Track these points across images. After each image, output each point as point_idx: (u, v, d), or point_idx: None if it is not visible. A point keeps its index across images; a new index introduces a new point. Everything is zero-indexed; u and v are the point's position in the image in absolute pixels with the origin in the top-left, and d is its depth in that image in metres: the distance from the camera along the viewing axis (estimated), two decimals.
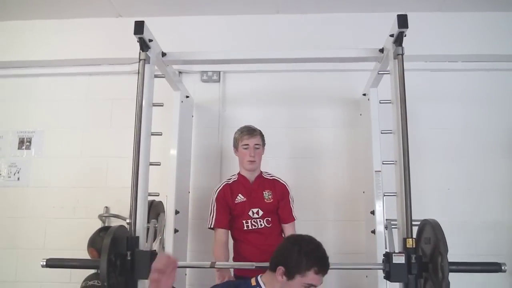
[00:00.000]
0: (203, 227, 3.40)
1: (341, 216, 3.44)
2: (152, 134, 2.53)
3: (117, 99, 3.71)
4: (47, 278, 3.46)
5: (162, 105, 2.60)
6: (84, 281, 3.16)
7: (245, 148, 2.85)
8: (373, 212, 2.88)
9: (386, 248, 2.60)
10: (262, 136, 2.93)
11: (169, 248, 2.87)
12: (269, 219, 2.82)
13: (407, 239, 2.18)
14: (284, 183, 2.94)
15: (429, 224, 2.14)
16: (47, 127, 3.76)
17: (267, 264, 2.18)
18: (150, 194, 2.48)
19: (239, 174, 2.95)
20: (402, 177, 2.27)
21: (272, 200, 2.85)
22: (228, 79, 3.70)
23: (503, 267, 2.12)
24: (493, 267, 2.16)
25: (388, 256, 2.20)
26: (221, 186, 2.91)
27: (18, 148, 3.76)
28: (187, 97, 3.34)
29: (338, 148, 3.55)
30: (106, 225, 3.45)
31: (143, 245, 2.33)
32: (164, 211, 2.99)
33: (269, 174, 2.98)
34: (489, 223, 3.41)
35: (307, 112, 3.62)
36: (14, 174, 3.72)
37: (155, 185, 2.59)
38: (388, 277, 2.21)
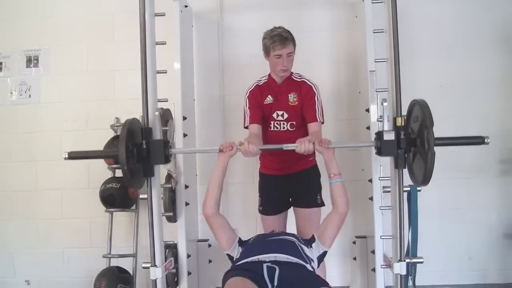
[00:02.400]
0: (210, 133, 3.66)
1: (339, 116, 3.64)
2: (157, 44, 2.64)
3: (117, 12, 3.77)
4: (67, 185, 3.77)
5: (164, 15, 2.69)
6: (102, 184, 3.43)
7: (278, 58, 2.73)
8: (368, 110, 3.06)
9: None
10: (294, 41, 2.78)
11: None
12: (294, 123, 2.84)
13: (397, 118, 2.35)
14: (312, 84, 2.86)
15: (417, 103, 2.28)
16: (52, 44, 3.86)
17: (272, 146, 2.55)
18: (159, 100, 2.64)
19: (269, 75, 2.92)
20: (393, 73, 2.42)
21: (296, 102, 2.83)
22: None
23: (486, 140, 2.32)
24: (477, 140, 2.38)
25: (379, 134, 2.38)
26: (252, 87, 2.91)
27: (27, 67, 3.89)
28: (186, 6, 3.40)
29: (336, 50, 3.67)
30: (118, 134, 3.66)
31: (156, 135, 2.50)
32: (172, 118, 3.19)
33: (299, 76, 2.91)
34: (481, 116, 3.59)
35: (306, 15, 3.69)
36: (25, 92, 3.88)
37: (162, 95, 2.72)
38: (379, 152, 2.40)
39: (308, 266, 2.12)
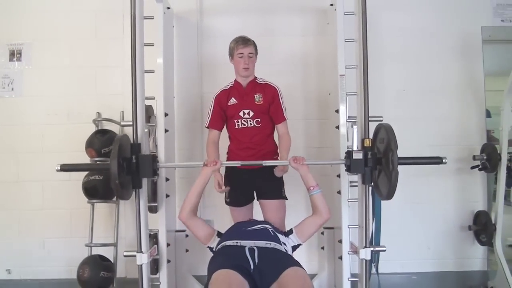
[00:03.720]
0: (187, 128, 3.85)
1: (310, 115, 3.90)
2: (145, 45, 2.83)
3: (100, 10, 3.90)
4: (48, 177, 3.85)
5: (153, 18, 2.91)
6: (85, 176, 3.58)
7: (240, 57, 3.11)
8: (337, 111, 3.30)
9: (347, 141, 3.14)
10: (255, 45, 3.18)
11: (161, 146, 3.26)
12: (259, 119, 3.14)
13: (365, 139, 2.67)
14: (275, 86, 3.23)
15: (383, 127, 2.59)
16: (35, 39, 3.95)
17: (253, 162, 2.86)
18: (147, 98, 2.84)
19: (235, 80, 3.25)
20: (361, 79, 2.69)
21: (262, 102, 3.16)
22: None
23: (443, 160, 2.67)
24: (436, 160, 2.70)
25: (349, 153, 2.71)
26: (219, 92, 3.25)
27: (9, 60, 3.97)
28: (168, 8, 3.57)
29: (308, 54, 3.91)
30: (99, 128, 3.81)
31: (145, 150, 2.74)
32: (154, 114, 3.37)
33: (263, 79, 3.27)
34: (439, 118, 3.92)
35: (279, 20, 3.92)
36: (8, 85, 3.96)
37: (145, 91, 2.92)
38: (349, 169, 2.75)
39: (282, 248, 2.37)
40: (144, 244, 2.74)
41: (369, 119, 2.78)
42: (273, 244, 2.34)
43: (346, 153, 2.76)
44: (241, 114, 3.16)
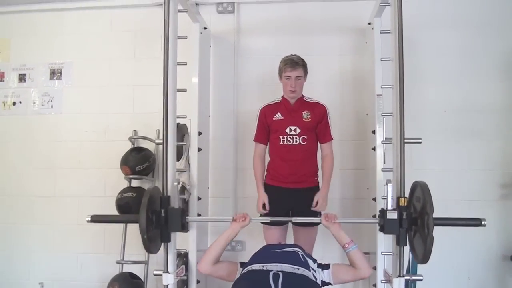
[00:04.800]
0: (222, 147, 3.83)
1: (346, 136, 3.80)
2: (178, 64, 2.84)
3: (139, 30, 3.99)
4: (84, 193, 3.95)
5: (186, 38, 2.91)
6: (119, 193, 3.60)
7: (287, 79, 3.09)
8: (374, 132, 3.21)
9: (384, 163, 3.03)
10: (304, 67, 3.14)
11: (194, 164, 3.27)
12: (305, 137, 3.11)
13: (400, 198, 2.51)
14: (324, 105, 3.22)
15: (419, 185, 2.44)
16: (75, 58, 4.07)
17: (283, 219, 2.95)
18: (178, 117, 2.84)
19: (282, 97, 3.24)
20: (397, 99, 2.59)
21: (310, 119, 3.13)
22: (242, 10, 3.94)
23: (482, 222, 2.47)
24: (474, 222, 2.51)
25: (383, 213, 2.57)
26: (264, 106, 3.25)
27: (50, 79, 4.10)
28: (205, 28, 3.61)
29: (346, 74, 3.84)
30: (135, 146, 3.85)
31: (175, 204, 2.72)
32: (188, 133, 3.37)
33: (311, 98, 3.25)
34: (483, 141, 3.73)
35: (317, 40, 3.87)
36: (48, 103, 4.09)
37: (180, 110, 2.92)
38: (382, 229, 2.61)
39: (310, 275, 2.27)
40: (171, 264, 2.70)
41: (406, 140, 2.64)
42: (301, 270, 2.24)
43: (380, 211, 2.63)
44: (287, 130, 3.13)
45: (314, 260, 2.53)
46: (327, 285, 2.51)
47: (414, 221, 2.47)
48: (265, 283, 2.07)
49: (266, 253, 2.52)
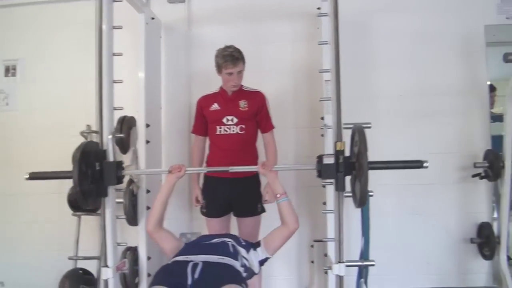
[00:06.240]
0: (176, 139, 3.78)
1: (300, 123, 3.77)
2: (114, 55, 2.79)
3: (91, 23, 3.86)
4: (39, 190, 3.81)
5: (121, 28, 2.84)
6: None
7: (229, 75, 2.99)
8: (322, 118, 3.17)
9: None
10: (243, 59, 3.03)
11: (142, 157, 3.23)
12: (243, 126, 3.06)
13: (337, 143, 2.49)
14: (262, 93, 3.16)
15: (356, 128, 2.42)
16: (29, 54, 4.02)
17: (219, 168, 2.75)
18: (115, 109, 2.79)
19: (220, 87, 3.17)
20: (334, 83, 2.55)
21: (247, 109, 3.07)
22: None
23: (424, 164, 2.45)
24: (415, 164, 2.49)
25: (320, 158, 2.53)
26: (201, 97, 3.21)
27: (5, 76, 4.05)
28: (153, 18, 3.54)
29: (299, 61, 3.79)
30: (89, 140, 3.78)
31: (111, 157, 2.67)
32: (136, 125, 3.32)
33: (249, 87, 3.18)
34: (440, 124, 3.71)
35: (270, 27, 3.83)
36: (3, 100, 4.03)
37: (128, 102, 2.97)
38: (320, 175, 2.55)
39: (236, 265, 2.22)
40: (110, 257, 2.65)
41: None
42: (226, 260, 2.19)
43: (317, 157, 2.56)
44: (224, 120, 3.08)
45: (249, 246, 2.48)
46: (266, 260, 2.49)
47: (352, 166, 2.43)
48: (182, 274, 2.02)
49: (195, 244, 2.48)
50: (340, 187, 2.46)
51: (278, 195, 2.52)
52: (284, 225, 2.48)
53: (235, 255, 2.29)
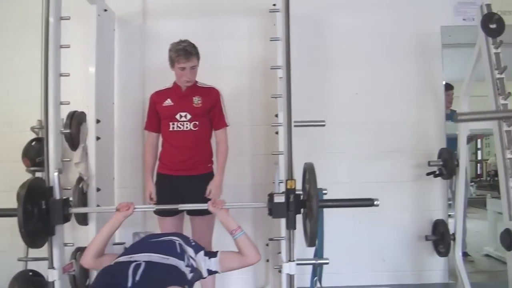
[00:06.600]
0: (129, 135, 3.68)
1: (257, 121, 3.71)
2: (61, 47, 2.69)
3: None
4: None
5: (69, 18, 2.73)
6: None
7: (182, 70, 2.92)
8: (277, 115, 3.09)
9: None
10: (197, 54, 2.95)
11: (92, 153, 3.13)
12: (197, 123, 2.99)
13: (288, 181, 2.46)
14: (216, 89, 3.10)
15: (306, 167, 2.40)
16: None
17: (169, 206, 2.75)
18: (61, 103, 2.69)
19: (174, 82, 3.09)
20: (285, 80, 2.51)
21: (201, 105, 3.01)
22: None
23: (375, 202, 2.40)
24: (366, 202, 2.44)
25: (271, 196, 2.50)
26: (154, 92, 3.12)
27: None
28: (105, 10, 3.42)
29: (255, 57, 3.74)
30: (40, 136, 3.65)
31: (57, 195, 2.57)
32: (86, 121, 3.22)
33: (204, 84, 3.12)
34: (395, 123, 3.73)
35: (226, 23, 3.77)
36: None
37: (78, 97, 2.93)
38: (271, 213, 2.52)
39: (181, 265, 2.16)
40: (57, 259, 2.57)
41: (312, 123, 2.75)
42: (170, 260, 2.12)
43: (268, 195, 2.53)
44: (177, 116, 3.00)
45: (200, 249, 2.42)
46: (214, 273, 2.40)
47: (303, 204, 2.41)
48: (123, 275, 1.95)
49: (140, 243, 2.41)
50: (290, 226, 2.45)
51: (234, 231, 2.41)
52: (245, 257, 2.39)
53: (181, 255, 2.22)
